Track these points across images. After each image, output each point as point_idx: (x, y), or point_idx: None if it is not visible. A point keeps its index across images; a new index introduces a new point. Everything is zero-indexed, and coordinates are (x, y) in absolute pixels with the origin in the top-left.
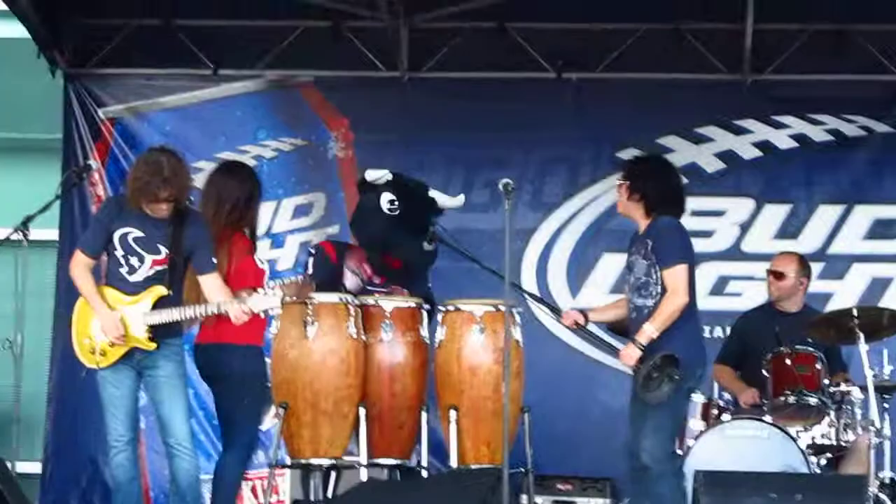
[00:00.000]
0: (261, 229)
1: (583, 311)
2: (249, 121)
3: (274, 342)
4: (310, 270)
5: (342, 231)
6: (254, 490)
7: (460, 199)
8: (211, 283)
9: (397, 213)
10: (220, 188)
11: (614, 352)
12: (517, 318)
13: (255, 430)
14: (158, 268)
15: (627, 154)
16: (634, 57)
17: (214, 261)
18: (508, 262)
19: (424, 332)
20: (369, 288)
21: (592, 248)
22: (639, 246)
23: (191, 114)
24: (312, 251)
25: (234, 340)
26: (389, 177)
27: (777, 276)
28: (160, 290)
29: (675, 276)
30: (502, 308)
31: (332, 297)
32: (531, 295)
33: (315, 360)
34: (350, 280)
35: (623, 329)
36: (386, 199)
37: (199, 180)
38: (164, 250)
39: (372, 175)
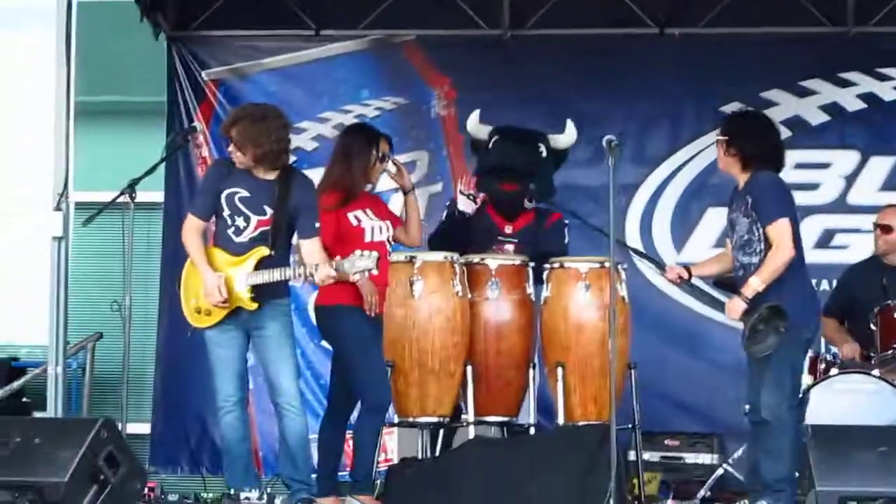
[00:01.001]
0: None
1: (686, 266)
2: (352, 81)
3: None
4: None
5: (445, 189)
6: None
7: (571, 133)
8: (309, 247)
9: (501, 147)
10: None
11: (721, 306)
12: (622, 274)
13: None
14: (263, 228)
15: (730, 109)
16: (736, 11)
17: (317, 225)
18: (613, 218)
19: (531, 289)
20: (500, 238)
21: (696, 203)
22: (739, 203)
23: (293, 74)
24: (448, 203)
25: (344, 301)
26: (489, 129)
27: (884, 229)
28: (263, 251)
29: (779, 230)
30: (607, 265)
31: (436, 256)
32: (635, 250)
33: (421, 319)
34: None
35: (730, 283)
36: (493, 141)
37: (302, 140)
38: (269, 211)
39: (472, 126)
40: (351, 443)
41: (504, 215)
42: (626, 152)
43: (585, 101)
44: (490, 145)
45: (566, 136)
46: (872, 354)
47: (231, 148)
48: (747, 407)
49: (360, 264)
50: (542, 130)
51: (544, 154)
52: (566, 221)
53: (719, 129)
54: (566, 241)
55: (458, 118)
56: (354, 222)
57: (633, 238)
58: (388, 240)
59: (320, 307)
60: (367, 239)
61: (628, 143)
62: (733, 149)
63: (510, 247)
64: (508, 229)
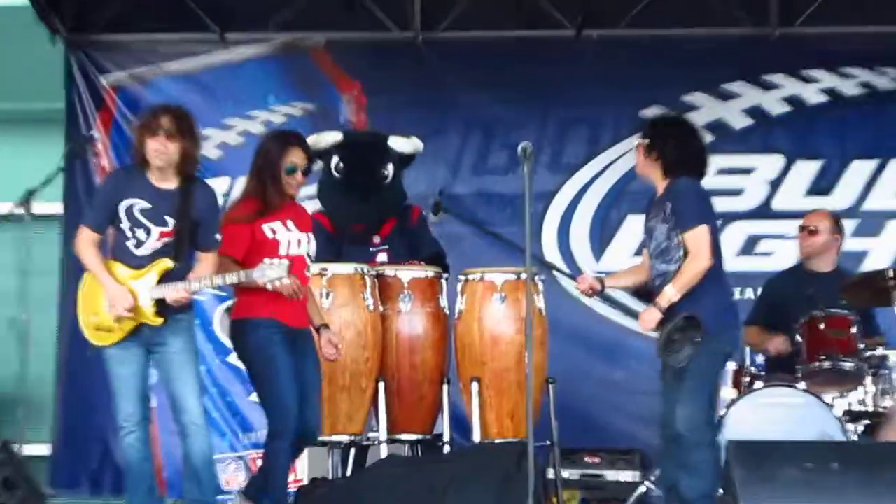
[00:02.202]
0: None
1: (599, 278)
2: (258, 86)
3: None
4: None
5: None
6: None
7: (415, 142)
8: (205, 260)
9: (344, 173)
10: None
11: (636, 316)
12: (539, 285)
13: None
14: (166, 240)
15: (651, 113)
16: (656, 13)
17: (218, 237)
18: (529, 227)
19: (444, 302)
20: (371, 250)
21: (616, 211)
22: (657, 209)
23: (197, 80)
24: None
25: (250, 315)
26: (336, 138)
27: (809, 232)
28: (166, 263)
29: (696, 237)
30: (524, 276)
31: (347, 268)
32: (544, 262)
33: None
34: (351, 251)
35: (649, 293)
36: (333, 162)
37: (205, 148)
38: (171, 222)
39: (312, 139)
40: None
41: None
42: (543, 158)
43: (500, 106)
44: (333, 167)
45: (410, 144)
46: (798, 366)
47: (156, 143)
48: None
49: (269, 273)
50: (385, 133)
51: (390, 177)
52: (425, 213)
53: (640, 133)
54: (433, 233)
55: (368, 124)
56: (269, 234)
57: (550, 247)
58: (307, 253)
59: (231, 322)
60: (283, 252)
61: (545, 149)
62: (654, 153)
63: (383, 255)
64: (377, 239)
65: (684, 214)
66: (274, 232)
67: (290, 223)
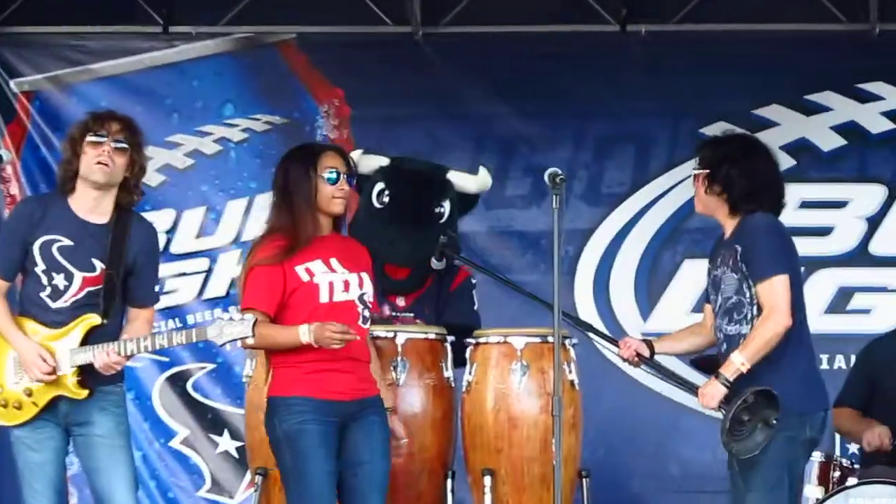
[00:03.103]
0: (226, 236)
1: (647, 341)
2: (211, 93)
3: (248, 389)
4: None
5: None
6: None
7: (483, 178)
8: (140, 318)
9: (387, 203)
10: None
11: (695, 391)
12: (571, 351)
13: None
14: (91, 288)
15: (715, 130)
16: (721, 3)
17: (157, 288)
18: (558, 275)
19: (449, 372)
20: (391, 314)
21: (670, 254)
22: (725, 255)
23: (133, 84)
24: None
25: (281, 392)
26: (384, 162)
27: None
28: (92, 320)
29: (773, 290)
30: (551, 339)
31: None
32: (576, 321)
33: None
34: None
35: (712, 363)
36: (377, 190)
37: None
38: (98, 266)
39: (363, 162)
40: None
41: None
42: (577, 187)
43: (521, 120)
44: (375, 196)
45: (478, 181)
46: None
47: (100, 153)
48: None
49: (229, 332)
50: (445, 166)
51: (445, 216)
52: (474, 280)
53: (696, 159)
54: (475, 305)
55: (352, 142)
56: (305, 277)
57: (585, 301)
58: (361, 299)
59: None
60: (324, 298)
61: (579, 175)
62: (716, 185)
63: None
64: (401, 301)
65: (758, 261)
66: (311, 274)
67: (333, 261)
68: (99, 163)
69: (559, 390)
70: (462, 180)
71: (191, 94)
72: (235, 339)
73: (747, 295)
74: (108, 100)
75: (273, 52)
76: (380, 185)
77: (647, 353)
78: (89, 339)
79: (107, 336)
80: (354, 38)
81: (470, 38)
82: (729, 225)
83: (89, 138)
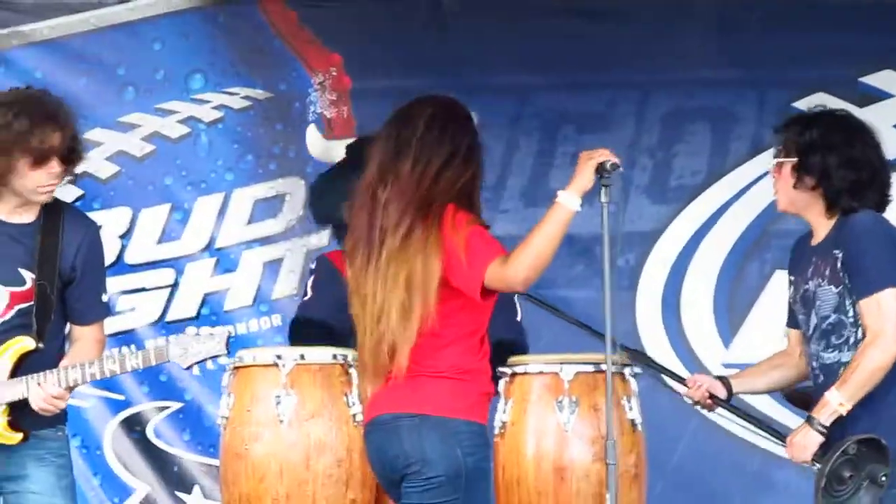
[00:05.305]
0: (195, 241)
1: (723, 378)
2: (176, 61)
3: (225, 430)
4: (308, 293)
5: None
6: None
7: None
8: (91, 341)
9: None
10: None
11: (783, 439)
12: (632, 382)
13: None
14: (21, 306)
15: (812, 104)
16: None
17: (105, 300)
18: (609, 292)
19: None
20: None
21: (757, 264)
22: (819, 264)
23: (76, 50)
24: (313, 266)
25: (453, 412)
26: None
27: None
28: (24, 344)
29: (880, 308)
30: (604, 367)
31: (320, 354)
32: (630, 351)
33: (292, 459)
34: None
35: (807, 399)
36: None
37: (92, 161)
38: (28, 277)
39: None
40: None
41: None
42: (639, 178)
43: (565, 94)
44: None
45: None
46: None
47: (44, 175)
48: None
49: (196, 350)
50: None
51: None
52: None
53: (779, 144)
54: (519, 316)
55: (353, 121)
56: None
57: (649, 323)
58: None
59: None
60: None
61: (641, 164)
62: (808, 177)
63: None
64: None
65: (865, 272)
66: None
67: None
68: (44, 185)
69: (613, 432)
70: None
71: (150, 62)
72: (205, 359)
73: (850, 314)
74: (43, 69)
75: (253, 8)
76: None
77: (722, 394)
78: (21, 368)
79: (44, 364)
80: None
81: None
82: (822, 226)
83: (28, 156)
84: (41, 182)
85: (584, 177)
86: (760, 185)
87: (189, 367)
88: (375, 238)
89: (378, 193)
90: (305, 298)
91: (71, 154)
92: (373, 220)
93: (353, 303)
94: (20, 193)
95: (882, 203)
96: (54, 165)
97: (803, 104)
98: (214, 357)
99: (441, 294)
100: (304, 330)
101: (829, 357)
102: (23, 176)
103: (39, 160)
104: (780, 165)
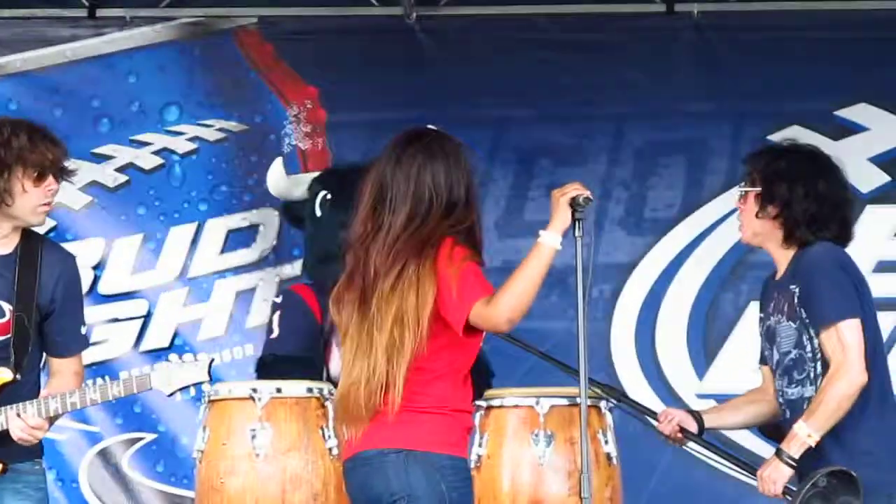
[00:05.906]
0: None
1: (695, 413)
2: (150, 93)
3: (200, 463)
4: (275, 332)
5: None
6: None
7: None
8: (70, 374)
9: (329, 204)
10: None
11: (755, 472)
12: (608, 416)
13: None
14: (0, 338)
15: (785, 136)
16: None
17: (83, 332)
18: (583, 324)
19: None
20: None
21: (731, 296)
22: (780, 299)
23: (51, 82)
24: (278, 300)
25: (438, 448)
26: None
27: None
28: (2, 376)
29: (840, 339)
30: (579, 400)
31: (296, 388)
32: (605, 387)
33: (269, 493)
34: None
35: (783, 432)
36: (320, 197)
37: (66, 193)
38: (6, 308)
39: (280, 186)
40: None
41: None
42: (613, 210)
43: (542, 126)
44: (318, 208)
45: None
46: None
47: (43, 193)
48: None
49: (179, 377)
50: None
51: None
52: None
53: (745, 175)
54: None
55: (328, 153)
56: None
57: (623, 355)
58: None
59: None
60: None
61: (615, 195)
62: (772, 206)
63: None
64: None
65: (819, 303)
66: None
67: None
68: (42, 204)
69: (588, 465)
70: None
71: (125, 93)
72: (188, 385)
73: (808, 349)
74: (18, 101)
75: (229, 40)
76: (322, 193)
77: (693, 428)
78: None
79: (20, 396)
80: (331, 22)
81: (476, 21)
82: (783, 259)
83: (29, 171)
84: (40, 201)
85: (562, 215)
86: (735, 217)
87: (172, 395)
88: (369, 278)
89: (369, 236)
90: (272, 336)
91: (63, 173)
92: (367, 260)
93: (344, 344)
94: (17, 216)
95: (842, 237)
96: (52, 182)
97: (779, 137)
98: (198, 384)
99: (432, 329)
100: (273, 368)
101: (793, 392)
102: (22, 194)
103: (41, 175)
104: (745, 195)
